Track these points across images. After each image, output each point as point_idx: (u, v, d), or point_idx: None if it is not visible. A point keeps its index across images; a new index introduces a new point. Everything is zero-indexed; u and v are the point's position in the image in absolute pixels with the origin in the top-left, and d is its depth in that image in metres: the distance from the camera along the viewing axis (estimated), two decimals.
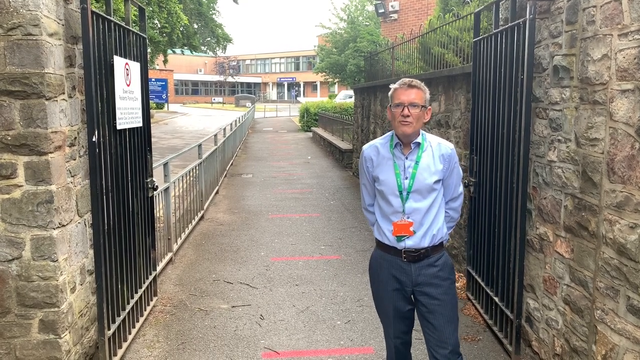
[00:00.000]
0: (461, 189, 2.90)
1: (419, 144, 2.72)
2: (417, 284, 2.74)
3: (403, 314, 2.82)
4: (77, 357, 3.44)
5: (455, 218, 2.93)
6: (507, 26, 3.84)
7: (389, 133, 2.82)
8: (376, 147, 2.83)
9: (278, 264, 5.88)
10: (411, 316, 2.86)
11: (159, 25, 25.16)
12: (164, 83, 38.98)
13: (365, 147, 2.89)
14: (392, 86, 2.73)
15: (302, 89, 70.26)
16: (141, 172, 4.31)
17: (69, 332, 3.32)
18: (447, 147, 2.78)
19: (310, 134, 23.35)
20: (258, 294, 4.99)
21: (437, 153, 2.74)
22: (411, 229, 2.70)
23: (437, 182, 2.72)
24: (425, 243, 2.72)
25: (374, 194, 2.90)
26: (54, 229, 3.13)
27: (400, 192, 2.71)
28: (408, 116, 2.62)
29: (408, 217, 2.71)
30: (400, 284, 2.77)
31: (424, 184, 2.69)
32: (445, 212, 2.86)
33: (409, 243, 2.71)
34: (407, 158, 2.73)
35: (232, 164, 13.55)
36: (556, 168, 3.30)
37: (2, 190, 3.08)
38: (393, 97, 2.71)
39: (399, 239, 2.72)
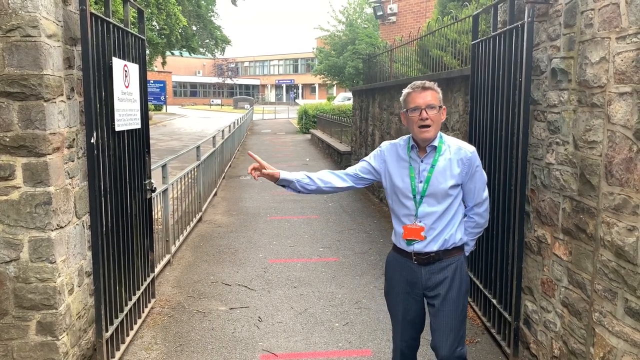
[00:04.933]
0: (486, 193, 2.80)
1: (435, 147, 2.66)
2: (427, 287, 2.72)
3: (412, 318, 2.79)
4: (75, 359, 3.43)
5: (481, 224, 2.84)
6: (505, 29, 3.85)
7: (407, 135, 2.77)
8: (395, 146, 2.79)
9: (276, 266, 5.88)
10: (421, 321, 2.83)
11: (157, 27, 25.16)
12: (162, 85, 38.98)
13: (385, 142, 2.85)
14: (405, 90, 2.67)
15: (300, 91, 70.28)
16: (139, 174, 4.30)
17: (67, 334, 3.31)
18: (467, 150, 2.69)
19: (309, 136, 23.36)
20: (256, 296, 4.99)
21: (455, 157, 2.66)
22: (422, 233, 2.66)
23: (453, 187, 2.65)
24: (434, 247, 2.67)
25: (357, 175, 2.83)
26: (52, 230, 3.12)
27: (414, 196, 2.67)
28: (427, 119, 2.57)
29: (420, 221, 2.67)
30: (411, 287, 2.75)
31: (439, 189, 2.63)
32: (470, 217, 2.80)
33: (417, 247, 2.68)
34: (422, 161, 2.67)
35: (230, 166, 13.55)
36: (554, 170, 3.30)
37: (0, 191, 3.07)
38: (407, 101, 2.64)
39: (409, 242, 2.69)
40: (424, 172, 2.66)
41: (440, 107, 2.62)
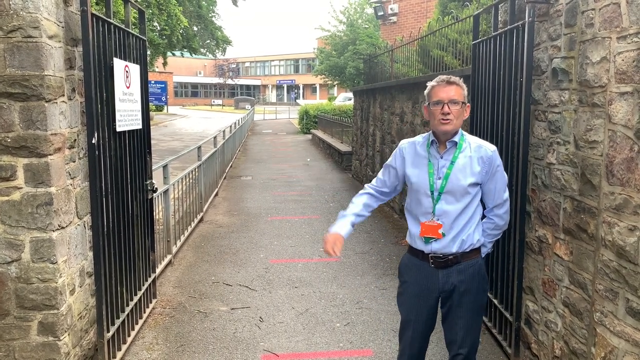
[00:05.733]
0: (506, 194, 2.75)
1: (456, 143, 2.63)
2: (444, 290, 2.69)
3: (424, 322, 2.77)
4: (76, 359, 3.44)
5: (500, 225, 2.79)
6: (506, 29, 3.85)
7: (427, 133, 2.75)
8: (414, 144, 2.75)
9: (277, 266, 5.88)
10: (432, 324, 2.81)
11: (158, 28, 25.20)
12: (163, 85, 39.02)
13: (404, 141, 2.82)
14: (430, 84, 2.64)
15: (301, 91, 70.30)
16: (140, 174, 4.31)
17: (68, 334, 3.31)
18: (488, 149, 2.65)
19: (310, 137, 23.37)
20: (257, 296, 4.99)
21: (475, 155, 2.62)
22: (440, 231, 2.62)
23: (472, 185, 2.61)
24: (453, 248, 2.63)
25: (386, 183, 2.84)
26: (54, 231, 3.13)
27: (432, 192, 2.63)
28: (449, 114, 2.54)
29: (437, 219, 2.62)
30: (426, 291, 2.71)
31: (458, 186, 2.59)
32: (490, 219, 2.76)
33: (436, 246, 2.64)
34: (442, 157, 2.63)
35: (231, 166, 13.55)
36: (555, 170, 3.30)
37: (2, 192, 3.07)
38: (431, 94, 2.61)
39: (427, 240, 2.66)
40: (443, 168, 2.62)
41: (463, 103, 2.59)
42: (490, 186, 2.69)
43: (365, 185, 2.94)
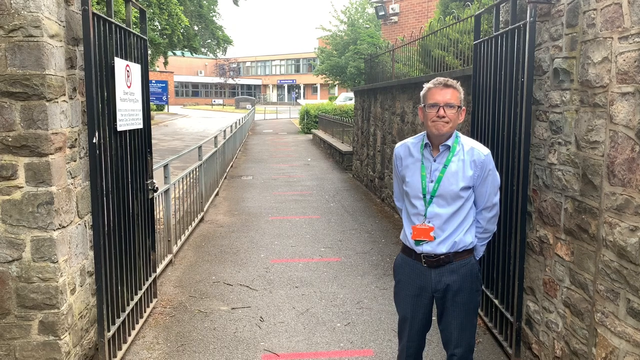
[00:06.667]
0: (497, 198, 2.73)
1: (449, 146, 2.62)
2: (437, 290, 2.70)
3: (420, 320, 2.79)
4: (77, 359, 3.44)
5: (489, 230, 2.78)
6: (507, 29, 3.85)
7: (421, 133, 2.74)
8: (407, 146, 2.75)
9: (278, 266, 5.88)
10: (428, 322, 2.83)
11: (159, 27, 25.23)
12: (164, 85, 39.01)
13: (397, 145, 2.83)
14: (426, 85, 2.62)
15: (302, 91, 70.30)
16: (141, 174, 4.31)
17: (69, 334, 3.31)
18: (481, 152, 2.64)
19: (311, 136, 23.36)
20: (258, 296, 4.99)
21: (468, 158, 2.61)
22: (431, 234, 2.62)
23: (465, 189, 2.60)
24: (443, 249, 2.63)
25: (400, 192, 2.89)
26: (54, 230, 3.13)
27: (424, 195, 2.63)
28: (444, 117, 2.52)
29: (429, 222, 2.63)
30: (419, 290, 2.73)
31: (449, 190, 2.59)
32: (478, 222, 2.75)
33: (427, 248, 2.65)
34: (435, 160, 2.63)
35: (232, 166, 13.55)
36: (556, 171, 3.30)
37: (3, 191, 3.08)
38: (427, 96, 2.59)
39: (417, 243, 2.67)
40: (435, 171, 2.63)
41: (459, 107, 2.58)
42: (481, 189, 2.68)
43: (395, 198, 3.01)
